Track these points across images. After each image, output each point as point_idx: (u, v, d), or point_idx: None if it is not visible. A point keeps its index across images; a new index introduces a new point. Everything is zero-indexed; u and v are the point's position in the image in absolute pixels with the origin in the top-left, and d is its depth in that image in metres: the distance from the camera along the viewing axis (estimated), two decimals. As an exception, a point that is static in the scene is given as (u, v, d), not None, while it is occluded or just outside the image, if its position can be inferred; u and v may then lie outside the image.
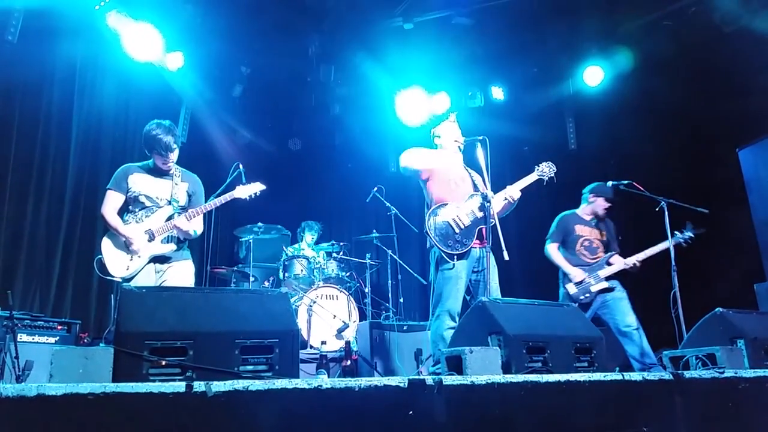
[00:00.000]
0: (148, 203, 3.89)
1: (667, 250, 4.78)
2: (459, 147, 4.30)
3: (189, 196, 4.06)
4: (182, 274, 3.92)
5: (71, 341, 4.38)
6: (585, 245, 5.16)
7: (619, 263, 5.03)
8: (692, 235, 4.91)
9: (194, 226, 3.93)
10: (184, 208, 3.99)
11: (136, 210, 3.88)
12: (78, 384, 1.73)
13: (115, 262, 3.77)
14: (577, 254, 5.14)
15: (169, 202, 3.93)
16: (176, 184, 4.01)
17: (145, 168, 4.00)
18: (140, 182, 3.93)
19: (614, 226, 5.36)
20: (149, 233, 3.80)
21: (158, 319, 2.24)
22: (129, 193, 3.90)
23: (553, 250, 5.20)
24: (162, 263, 3.88)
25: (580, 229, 5.21)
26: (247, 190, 4.11)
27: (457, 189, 4.14)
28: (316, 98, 8.15)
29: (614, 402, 2.48)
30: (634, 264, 5.01)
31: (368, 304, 6.54)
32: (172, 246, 3.90)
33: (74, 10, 5.92)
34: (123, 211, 3.93)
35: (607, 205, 5.24)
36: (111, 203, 3.90)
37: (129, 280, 3.72)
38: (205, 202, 4.05)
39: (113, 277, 3.72)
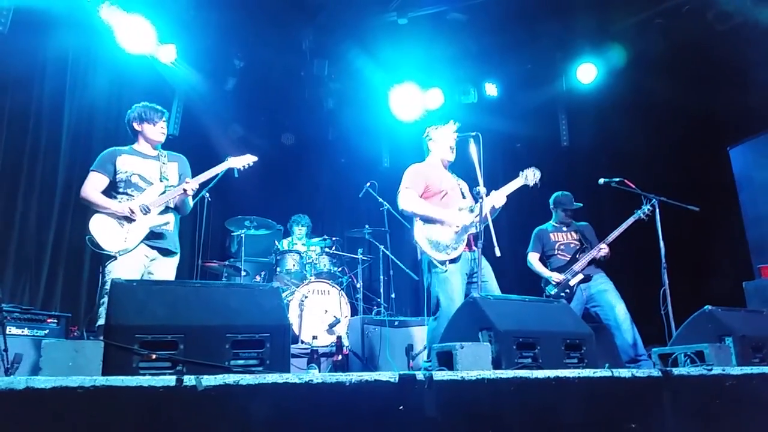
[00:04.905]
0: (141, 183, 3.87)
1: (657, 247, 4.78)
2: (451, 149, 4.29)
3: (179, 175, 4.09)
4: (169, 269, 3.91)
5: (61, 334, 4.36)
6: (562, 249, 5.41)
7: (591, 253, 5.20)
8: (650, 208, 4.94)
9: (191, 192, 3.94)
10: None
11: (128, 191, 3.84)
12: (67, 377, 1.72)
13: (109, 237, 3.68)
14: (557, 257, 5.39)
15: (161, 181, 3.94)
16: (164, 163, 4.03)
17: (132, 150, 4.02)
18: (130, 163, 3.92)
19: (590, 228, 5.57)
20: (143, 208, 3.77)
21: (149, 312, 2.24)
22: (118, 175, 3.86)
23: (532, 259, 5.52)
24: (157, 239, 3.81)
25: (555, 237, 5.49)
26: (240, 161, 4.15)
27: (447, 199, 4.15)
28: (310, 93, 8.10)
29: (603, 398, 2.50)
30: (603, 249, 5.16)
31: (360, 299, 6.53)
32: (171, 216, 3.89)
33: (66, 2, 5.85)
34: (108, 195, 3.87)
35: (567, 213, 5.49)
36: (93, 184, 3.85)
37: (125, 254, 3.66)
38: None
39: (109, 251, 3.64)
